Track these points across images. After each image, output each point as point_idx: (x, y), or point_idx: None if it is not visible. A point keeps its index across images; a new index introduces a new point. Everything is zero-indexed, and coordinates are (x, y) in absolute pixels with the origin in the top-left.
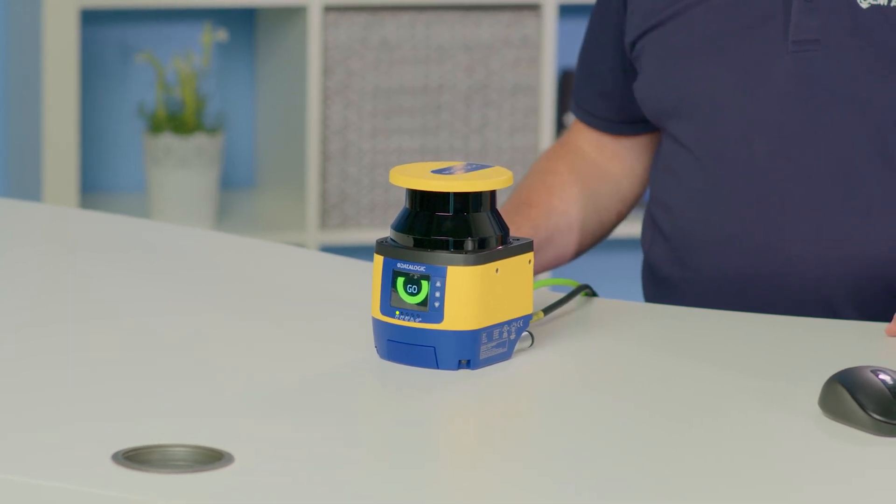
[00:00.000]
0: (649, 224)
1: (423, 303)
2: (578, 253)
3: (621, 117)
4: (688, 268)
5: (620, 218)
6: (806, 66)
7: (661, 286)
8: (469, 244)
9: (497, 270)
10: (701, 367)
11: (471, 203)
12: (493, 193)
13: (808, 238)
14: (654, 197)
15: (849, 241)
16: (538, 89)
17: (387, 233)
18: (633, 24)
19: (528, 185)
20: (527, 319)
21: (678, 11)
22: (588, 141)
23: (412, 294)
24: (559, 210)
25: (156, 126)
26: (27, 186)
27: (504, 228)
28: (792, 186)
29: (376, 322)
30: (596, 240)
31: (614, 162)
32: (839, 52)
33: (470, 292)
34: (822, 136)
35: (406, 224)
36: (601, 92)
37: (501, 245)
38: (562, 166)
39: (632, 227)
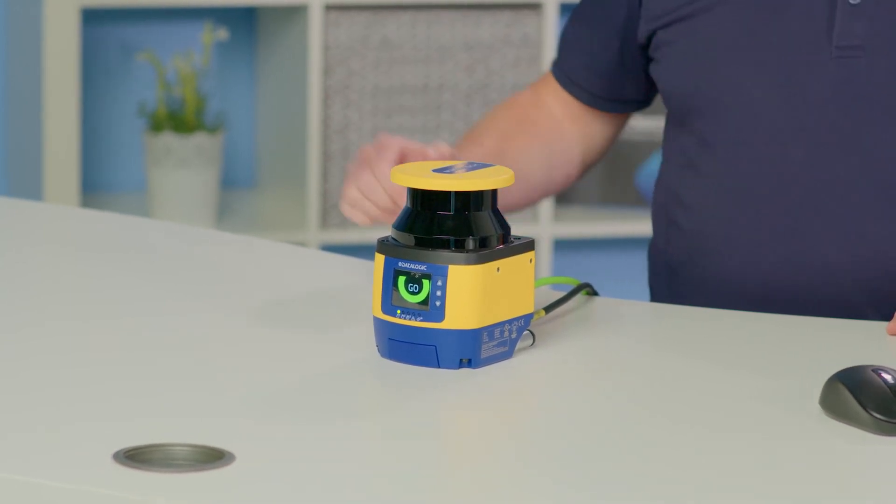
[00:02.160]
0: (664, 221)
1: (425, 302)
2: (522, 205)
3: (603, 94)
4: (710, 270)
5: (569, 181)
6: (849, 72)
7: (679, 287)
8: (470, 243)
9: (498, 269)
10: (701, 366)
11: (472, 202)
12: (494, 192)
13: (843, 245)
14: (671, 194)
15: (885, 250)
16: None
17: (388, 232)
18: (651, 11)
19: (485, 127)
20: (528, 318)
21: (709, 5)
22: (557, 98)
23: (413, 293)
24: (509, 157)
25: (156, 125)
26: (28, 186)
27: (505, 227)
28: (828, 193)
29: (377, 321)
30: (541, 195)
31: (577, 126)
32: (884, 58)
33: (471, 291)
34: (862, 143)
35: (407, 223)
36: (588, 65)
37: (503, 244)
38: (523, 115)
39: (632, 227)
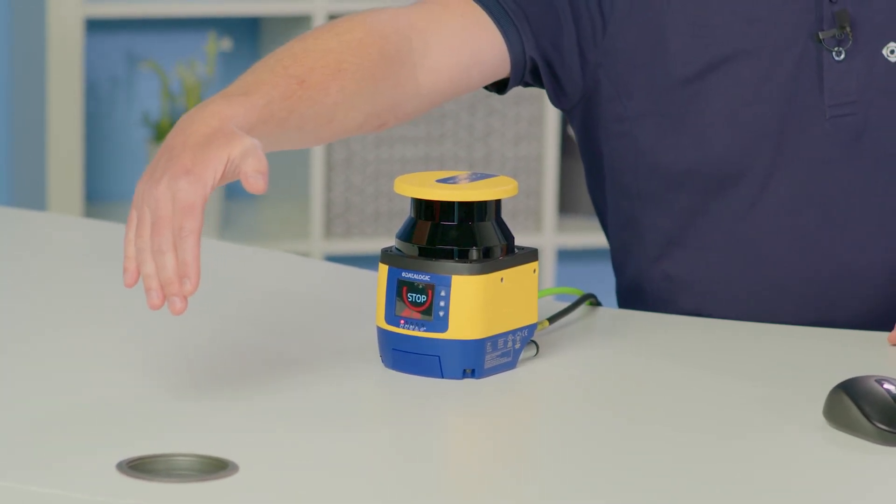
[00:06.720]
0: (646, 294)
1: (428, 312)
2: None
3: (523, 75)
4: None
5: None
6: (846, 129)
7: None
8: (474, 253)
9: (502, 280)
10: (705, 377)
11: (475, 212)
12: (497, 203)
13: (871, 301)
14: (648, 271)
15: None
16: (542, 98)
17: (391, 242)
18: (625, 87)
19: (323, 53)
20: (531, 329)
21: (693, 77)
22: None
23: (417, 303)
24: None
25: (160, 135)
26: (32, 195)
27: (509, 237)
28: (847, 253)
29: (381, 331)
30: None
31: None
32: (878, 110)
33: (475, 301)
34: (875, 200)
35: (411, 233)
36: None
37: (506, 254)
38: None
39: None
